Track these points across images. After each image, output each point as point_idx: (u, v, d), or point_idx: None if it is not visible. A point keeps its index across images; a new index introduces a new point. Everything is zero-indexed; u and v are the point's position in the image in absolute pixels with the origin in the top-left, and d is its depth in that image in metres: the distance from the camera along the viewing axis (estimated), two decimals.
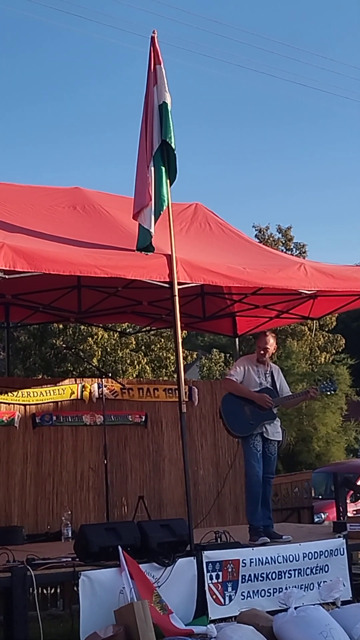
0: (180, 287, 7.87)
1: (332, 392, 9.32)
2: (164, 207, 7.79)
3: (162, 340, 22.37)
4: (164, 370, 22.31)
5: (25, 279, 7.40)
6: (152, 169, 7.79)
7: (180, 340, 7.91)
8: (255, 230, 32.82)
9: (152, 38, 8.06)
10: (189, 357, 25.79)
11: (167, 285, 7.84)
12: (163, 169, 7.83)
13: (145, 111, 7.99)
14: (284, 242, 33.03)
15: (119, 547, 6.82)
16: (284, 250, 31.16)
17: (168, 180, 7.88)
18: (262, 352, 8.64)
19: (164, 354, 22.39)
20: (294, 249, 32.88)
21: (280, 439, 8.80)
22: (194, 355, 27.74)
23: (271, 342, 8.68)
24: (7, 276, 7.10)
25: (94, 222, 9.01)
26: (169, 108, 7.84)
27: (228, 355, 28.93)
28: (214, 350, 30.56)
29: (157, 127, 7.83)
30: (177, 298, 7.78)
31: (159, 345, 22.43)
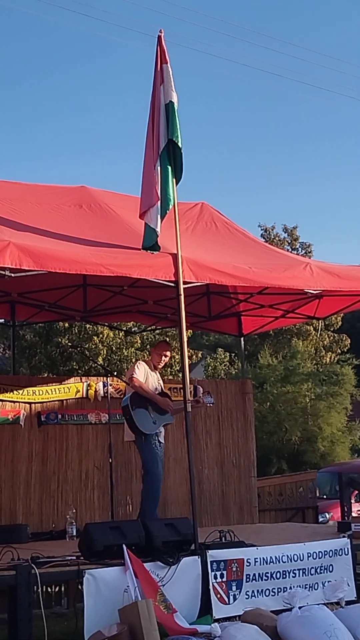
0: (186, 286, 7.88)
1: (211, 404, 9.57)
2: (170, 206, 7.79)
3: (168, 339, 22.34)
4: (169, 369, 22.27)
5: (31, 277, 7.41)
6: (159, 168, 7.81)
7: (185, 340, 7.91)
8: (261, 229, 32.80)
9: (159, 37, 8.06)
10: (194, 357, 25.77)
11: (172, 285, 7.85)
12: (169, 168, 7.84)
13: (151, 110, 8.00)
14: (289, 241, 32.99)
15: (124, 546, 6.82)
16: (290, 250, 31.11)
17: (174, 180, 7.89)
18: (159, 358, 9.01)
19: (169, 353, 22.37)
20: (300, 249, 32.84)
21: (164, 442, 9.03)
22: (199, 355, 27.73)
23: (169, 352, 9.17)
24: (12, 274, 7.12)
25: (100, 220, 9.02)
26: (176, 107, 7.85)
27: (233, 354, 28.91)
28: (219, 349, 30.52)
29: (163, 126, 7.84)
30: (182, 297, 7.78)
31: None
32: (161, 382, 9.19)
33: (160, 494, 8.68)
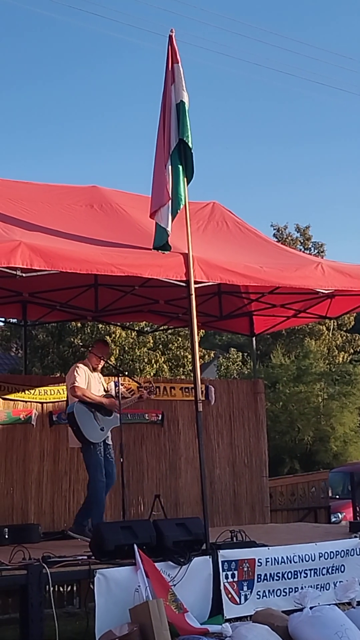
0: (197, 285, 7.87)
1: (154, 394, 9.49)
2: (181, 206, 7.79)
3: (180, 339, 22.33)
4: (182, 369, 22.25)
5: (42, 277, 7.42)
6: (170, 167, 7.80)
7: (196, 339, 7.91)
8: (274, 229, 32.71)
9: (170, 37, 8.06)
10: (207, 356, 25.72)
11: (183, 284, 7.85)
12: (180, 167, 7.84)
13: (162, 110, 8.01)
14: (302, 241, 32.90)
15: (135, 546, 6.83)
16: (302, 249, 31.03)
17: (185, 179, 7.89)
18: (97, 359, 8.87)
19: (182, 353, 22.33)
20: (312, 248, 32.75)
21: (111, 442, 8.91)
22: (212, 355, 27.69)
23: (108, 353, 9.06)
24: (24, 274, 7.14)
25: (111, 220, 9.02)
26: (187, 107, 7.85)
27: (246, 354, 28.88)
28: (232, 349, 30.48)
29: (174, 125, 7.84)
30: (193, 297, 7.78)
31: (176, 344, 22.38)
32: (103, 380, 9.03)
33: (104, 501, 8.54)
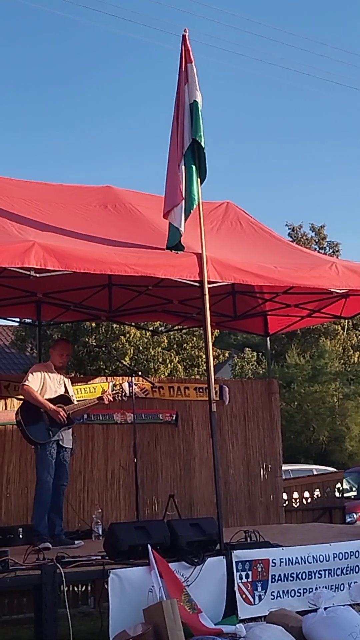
0: (211, 285, 7.87)
1: (124, 396, 9.10)
2: (195, 206, 7.80)
3: (194, 339, 22.30)
4: (196, 369, 22.21)
5: (56, 277, 7.44)
6: (183, 167, 7.81)
7: (210, 339, 7.90)
8: (289, 228, 32.65)
9: (184, 37, 8.06)
10: (221, 356, 25.70)
11: (197, 284, 7.85)
12: (194, 167, 7.84)
13: (176, 110, 8.01)
14: (317, 240, 32.83)
15: (149, 546, 6.83)
16: (317, 249, 30.97)
17: (199, 179, 7.89)
18: (61, 358, 8.70)
19: (196, 353, 22.31)
20: (327, 248, 32.68)
21: (72, 446, 8.74)
22: (226, 354, 27.65)
23: (70, 351, 8.90)
24: (37, 274, 7.16)
25: (125, 220, 9.03)
26: (200, 107, 7.85)
27: (261, 354, 28.83)
28: (247, 349, 30.43)
29: (188, 125, 7.84)
30: (207, 297, 7.78)
31: (191, 344, 22.35)
32: (65, 381, 8.77)
33: (49, 502, 8.31)
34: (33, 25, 52.78)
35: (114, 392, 8.97)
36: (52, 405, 8.33)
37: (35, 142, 57.81)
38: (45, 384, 8.48)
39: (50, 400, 8.40)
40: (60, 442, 8.42)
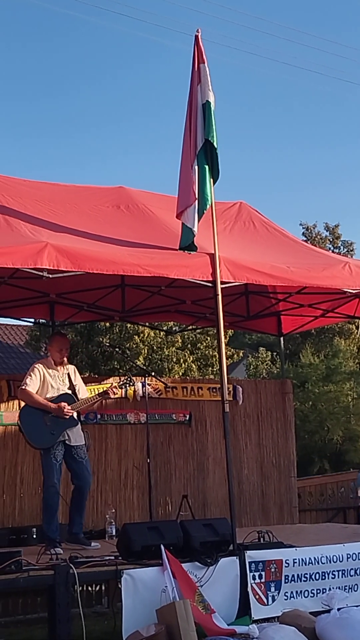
0: (224, 286, 7.87)
1: (132, 385, 9.28)
2: (208, 206, 7.80)
3: (208, 338, 22.27)
4: (210, 368, 22.18)
5: (69, 278, 7.47)
6: (196, 167, 7.81)
7: (223, 339, 7.90)
8: (303, 228, 32.56)
9: (196, 37, 8.06)
10: (235, 356, 25.63)
11: (210, 285, 7.84)
12: (207, 167, 7.84)
13: (189, 110, 8.02)
14: (331, 240, 32.74)
15: (162, 546, 6.84)
16: (332, 248, 30.89)
17: (211, 179, 7.88)
18: (60, 354, 8.38)
19: (210, 352, 22.27)
20: (342, 247, 32.58)
21: (84, 442, 8.43)
22: (240, 354, 27.60)
23: (68, 344, 8.56)
24: (50, 275, 7.17)
25: (138, 221, 9.04)
26: (212, 107, 7.83)
27: (275, 353, 28.78)
28: (261, 348, 30.38)
29: (200, 126, 7.84)
30: (220, 297, 7.77)
31: (204, 344, 22.32)
32: (70, 372, 8.44)
33: (57, 505, 8.13)
34: (45, 27, 52.84)
35: (120, 382, 8.88)
36: (53, 405, 8.07)
37: (49, 143, 57.91)
38: (46, 383, 8.22)
39: (51, 399, 8.14)
40: (67, 442, 8.14)
